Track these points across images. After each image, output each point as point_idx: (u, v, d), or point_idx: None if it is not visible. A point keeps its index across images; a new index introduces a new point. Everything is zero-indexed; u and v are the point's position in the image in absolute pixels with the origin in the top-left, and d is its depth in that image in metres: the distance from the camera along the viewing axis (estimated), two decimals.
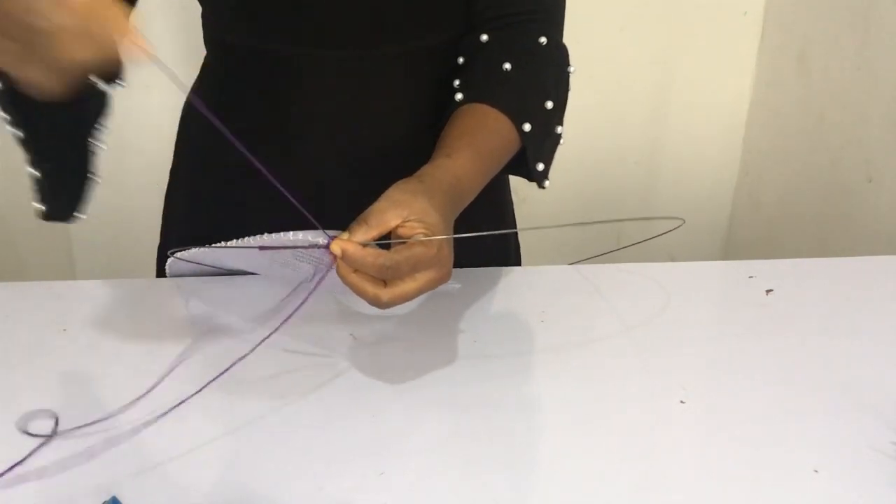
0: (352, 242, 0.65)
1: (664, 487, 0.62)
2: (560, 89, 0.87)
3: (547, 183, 0.87)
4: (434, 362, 0.76)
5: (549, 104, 0.84)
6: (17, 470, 0.62)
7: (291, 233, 0.69)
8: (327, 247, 0.66)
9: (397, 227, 0.67)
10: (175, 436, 0.66)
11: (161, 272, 0.92)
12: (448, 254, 0.68)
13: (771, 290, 0.90)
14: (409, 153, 0.80)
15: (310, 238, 0.68)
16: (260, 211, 0.82)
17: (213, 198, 0.94)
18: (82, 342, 0.79)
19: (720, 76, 1.84)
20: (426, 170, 0.74)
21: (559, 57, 0.88)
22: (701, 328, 0.85)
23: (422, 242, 0.65)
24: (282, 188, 0.64)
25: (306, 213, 0.66)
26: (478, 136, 0.80)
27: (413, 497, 0.61)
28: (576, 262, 0.97)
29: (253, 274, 0.89)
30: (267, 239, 0.70)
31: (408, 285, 0.66)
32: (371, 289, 0.66)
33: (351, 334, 0.80)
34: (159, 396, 0.71)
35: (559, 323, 0.83)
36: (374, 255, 0.65)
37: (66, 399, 0.71)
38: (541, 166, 0.85)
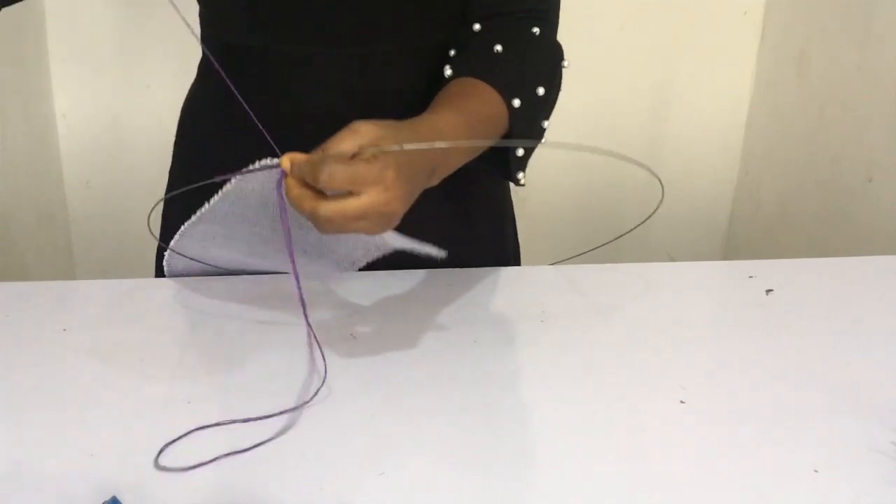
0: (300, 154, 0.65)
1: (664, 487, 0.62)
2: (553, 80, 0.86)
3: (521, 175, 0.84)
4: (434, 362, 0.76)
5: (541, 90, 0.83)
6: (19, 470, 0.62)
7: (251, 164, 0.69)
8: (278, 166, 0.66)
9: (354, 155, 0.65)
10: (174, 436, 0.66)
11: (161, 272, 0.92)
12: (394, 178, 0.65)
13: (771, 290, 0.90)
14: None
15: (266, 162, 0.68)
16: None
17: (211, 197, 0.94)
18: (82, 342, 0.79)
19: (720, 76, 1.85)
20: (405, 120, 0.72)
21: (553, 49, 0.87)
22: (701, 328, 0.85)
23: (364, 159, 0.64)
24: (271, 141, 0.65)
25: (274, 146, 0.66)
26: (464, 101, 0.79)
27: (413, 497, 0.61)
28: (568, 258, 0.96)
29: (253, 274, 0.89)
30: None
31: (348, 202, 0.64)
32: (310, 202, 0.65)
33: (351, 334, 0.80)
34: (159, 397, 0.71)
35: (559, 323, 0.83)
36: (315, 161, 0.64)
37: (65, 399, 0.71)
38: (520, 152, 0.83)
